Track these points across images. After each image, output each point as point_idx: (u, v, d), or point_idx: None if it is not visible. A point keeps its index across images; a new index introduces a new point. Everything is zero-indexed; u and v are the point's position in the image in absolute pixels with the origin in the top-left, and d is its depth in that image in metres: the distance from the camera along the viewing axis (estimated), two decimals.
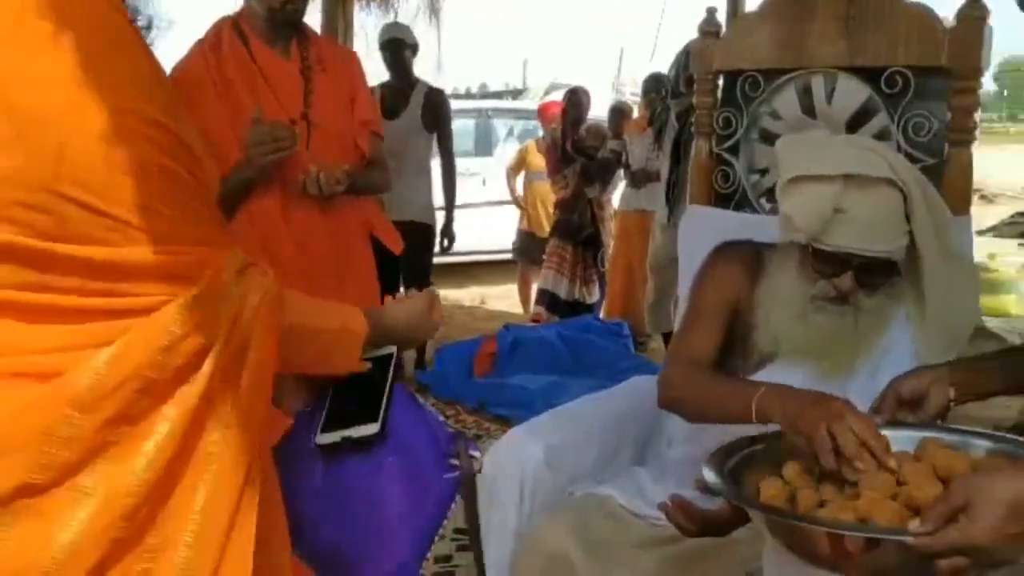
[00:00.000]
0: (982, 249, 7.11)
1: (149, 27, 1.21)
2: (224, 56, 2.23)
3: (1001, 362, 1.41)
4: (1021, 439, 1.32)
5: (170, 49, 1.94)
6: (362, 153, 2.43)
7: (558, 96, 6.26)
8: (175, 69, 2.19)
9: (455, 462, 1.20)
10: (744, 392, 1.45)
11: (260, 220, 2.23)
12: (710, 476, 1.24)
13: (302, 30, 2.36)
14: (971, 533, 0.98)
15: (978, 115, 1.98)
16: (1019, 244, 7.42)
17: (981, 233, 10.75)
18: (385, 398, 1.14)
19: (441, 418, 1.25)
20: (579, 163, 5.34)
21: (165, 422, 0.90)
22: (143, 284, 0.90)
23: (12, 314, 0.87)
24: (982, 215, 12.26)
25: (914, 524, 1.02)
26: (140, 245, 0.88)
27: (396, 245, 2.58)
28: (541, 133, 6.15)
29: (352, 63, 2.47)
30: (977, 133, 1.99)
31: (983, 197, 15.08)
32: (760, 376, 1.64)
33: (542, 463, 1.80)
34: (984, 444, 1.31)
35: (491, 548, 1.81)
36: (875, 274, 1.60)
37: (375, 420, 1.12)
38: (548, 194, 5.75)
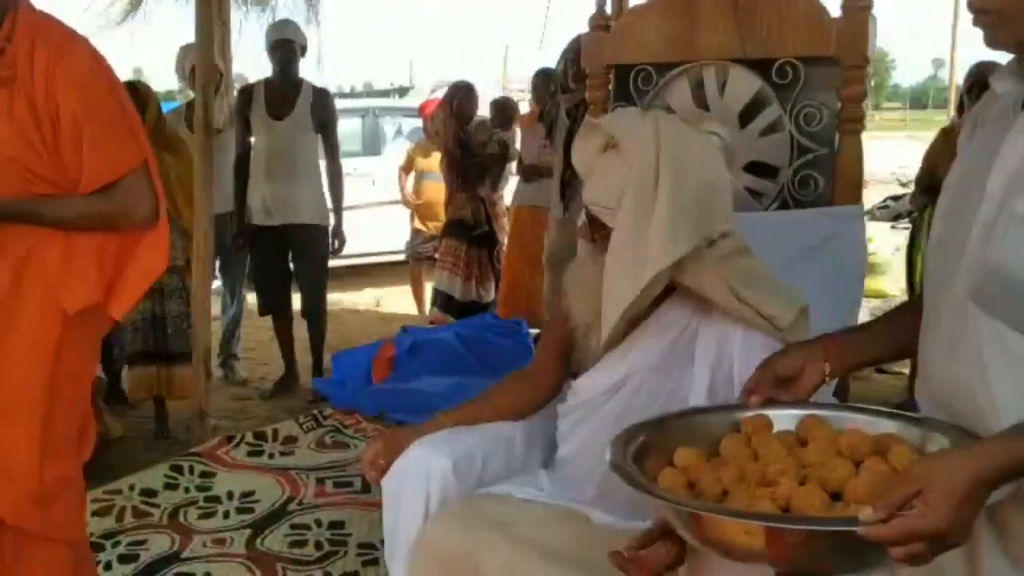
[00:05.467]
0: None
1: None
2: None
3: (872, 331, 1.40)
4: (901, 411, 1.31)
5: None
6: (51, 180, 1.88)
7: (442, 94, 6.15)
8: None
9: None
10: None
11: None
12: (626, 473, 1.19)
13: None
14: (930, 518, 0.97)
15: None
16: (891, 227, 7.77)
17: None
18: None
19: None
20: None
21: None
22: None
23: None
24: None
25: (864, 512, 0.99)
26: None
27: (72, 304, 1.89)
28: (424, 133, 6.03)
29: (58, 71, 1.83)
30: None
31: None
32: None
33: (449, 473, 1.74)
34: (863, 419, 1.30)
35: (397, 562, 1.76)
36: (598, 231, 1.66)
37: None
38: (438, 192, 5.67)
